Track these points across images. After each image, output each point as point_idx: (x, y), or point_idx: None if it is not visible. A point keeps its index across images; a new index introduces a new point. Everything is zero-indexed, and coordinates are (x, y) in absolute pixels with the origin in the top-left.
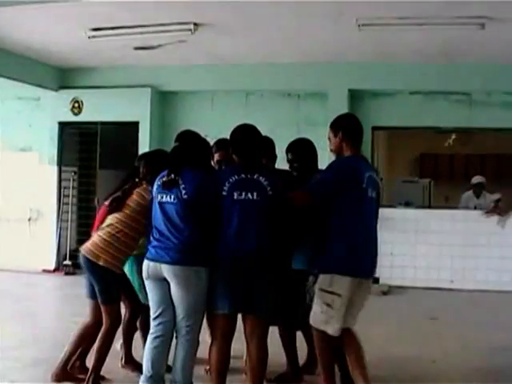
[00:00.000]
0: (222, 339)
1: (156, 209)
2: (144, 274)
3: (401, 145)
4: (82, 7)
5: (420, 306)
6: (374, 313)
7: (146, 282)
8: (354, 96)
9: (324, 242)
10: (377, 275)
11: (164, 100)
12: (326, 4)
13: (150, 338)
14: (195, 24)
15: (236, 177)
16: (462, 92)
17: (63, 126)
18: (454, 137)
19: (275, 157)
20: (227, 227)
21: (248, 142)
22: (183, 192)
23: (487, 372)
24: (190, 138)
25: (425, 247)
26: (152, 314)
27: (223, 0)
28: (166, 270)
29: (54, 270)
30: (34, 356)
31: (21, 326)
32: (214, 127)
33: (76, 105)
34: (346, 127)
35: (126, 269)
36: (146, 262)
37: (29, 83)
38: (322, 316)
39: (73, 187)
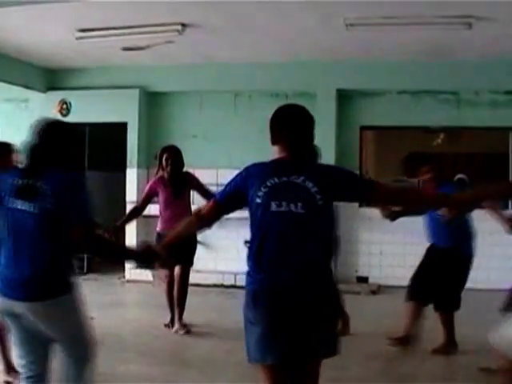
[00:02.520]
0: None
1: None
2: None
3: (389, 144)
4: (69, 8)
5: None
6: (363, 312)
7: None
8: (342, 96)
9: None
10: (366, 275)
11: (152, 101)
12: (313, 4)
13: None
14: (183, 25)
15: (276, 179)
16: (450, 91)
17: None
18: (442, 136)
19: None
20: (259, 247)
21: (300, 124)
22: (43, 201)
23: (474, 370)
24: (52, 130)
25: (414, 246)
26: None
27: (210, 0)
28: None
29: None
30: None
31: None
32: (203, 128)
33: (64, 106)
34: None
35: None
36: None
37: (16, 85)
38: None
39: None
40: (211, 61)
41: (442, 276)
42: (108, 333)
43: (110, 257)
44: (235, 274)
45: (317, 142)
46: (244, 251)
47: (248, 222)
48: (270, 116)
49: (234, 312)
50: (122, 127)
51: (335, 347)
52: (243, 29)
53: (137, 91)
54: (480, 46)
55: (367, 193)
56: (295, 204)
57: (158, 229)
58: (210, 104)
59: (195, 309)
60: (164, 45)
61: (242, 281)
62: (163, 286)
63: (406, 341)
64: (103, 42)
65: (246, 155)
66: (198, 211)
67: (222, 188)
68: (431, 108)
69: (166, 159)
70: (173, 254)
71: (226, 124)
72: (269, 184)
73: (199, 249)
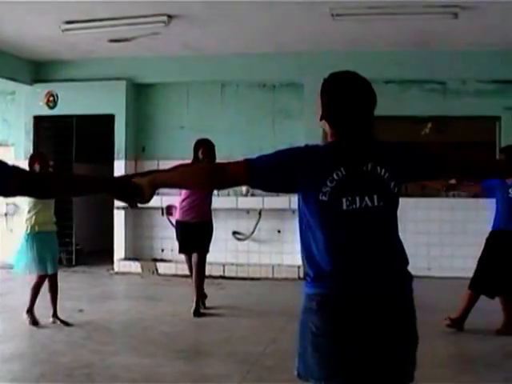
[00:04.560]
0: None
1: None
2: None
3: (377, 134)
4: (55, 0)
5: None
6: None
7: None
8: None
9: None
10: None
11: (139, 92)
12: None
13: None
14: (169, 16)
15: (343, 171)
16: (437, 81)
17: (38, 119)
18: (430, 125)
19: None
20: (331, 255)
21: (369, 96)
22: None
23: (460, 357)
24: None
25: (401, 235)
26: None
27: None
28: None
29: None
30: (11, 352)
31: None
32: (190, 119)
33: (51, 98)
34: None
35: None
36: None
37: (3, 77)
38: None
39: None
40: (197, 52)
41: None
42: (97, 325)
43: (68, 192)
44: (223, 265)
45: (305, 132)
46: (232, 242)
47: (237, 214)
48: (257, 107)
49: (222, 303)
50: (109, 119)
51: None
52: (229, 20)
53: (124, 83)
54: (466, 35)
55: (440, 168)
56: (370, 197)
57: (177, 217)
58: (197, 95)
59: (184, 299)
60: (150, 36)
61: (230, 271)
62: (152, 278)
63: (459, 323)
64: (89, 33)
65: (233, 145)
66: (218, 166)
67: (261, 155)
68: (418, 97)
69: (203, 152)
70: (187, 241)
71: (214, 115)
72: (336, 177)
73: None
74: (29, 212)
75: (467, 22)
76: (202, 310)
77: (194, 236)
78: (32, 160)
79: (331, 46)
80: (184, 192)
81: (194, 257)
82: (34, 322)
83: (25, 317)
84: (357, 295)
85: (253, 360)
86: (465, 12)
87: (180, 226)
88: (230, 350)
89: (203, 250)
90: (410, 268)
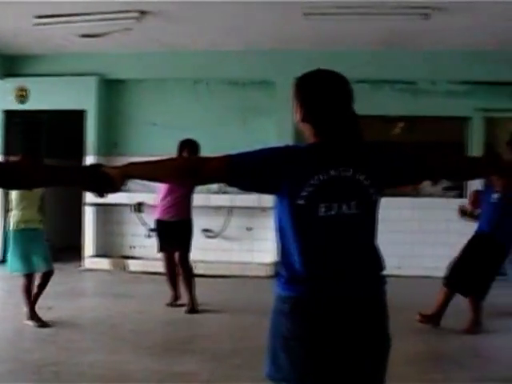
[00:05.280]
0: None
1: None
2: None
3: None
4: None
5: None
6: None
7: None
8: None
9: None
10: None
11: (111, 88)
12: None
13: None
14: (141, 12)
15: (323, 175)
16: (408, 81)
17: (8, 114)
18: (401, 125)
19: None
20: (306, 260)
21: (346, 94)
22: None
23: (429, 355)
24: None
25: None
26: None
27: None
28: None
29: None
30: None
31: None
32: (163, 116)
33: (22, 93)
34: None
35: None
36: None
37: None
38: None
39: None
40: (170, 48)
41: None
42: (66, 322)
43: (39, 182)
44: (193, 263)
45: (277, 131)
46: (202, 240)
47: (207, 211)
48: (229, 105)
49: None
50: (80, 115)
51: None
52: (201, 17)
53: (95, 79)
54: (438, 36)
55: (424, 172)
56: (348, 204)
57: (157, 216)
58: (169, 92)
59: (154, 297)
60: (122, 32)
61: (199, 269)
62: (121, 275)
63: (434, 319)
64: (61, 28)
65: (205, 143)
66: (198, 159)
67: (242, 152)
68: (389, 97)
69: (188, 154)
70: (167, 239)
71: (186, 112)
72: (315, 182)
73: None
74: (14, 209)
75: (438, 22)
76: (172, 308)
77: (175, 235)
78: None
79: (303, 44)
80: (164, 190)
81: (176, 257)
82: (42, 323)
83: (30, 323)
84: (330, 301)
85: (221, 357)
86: (436, 13)
87: (160, 225)
88: (199, 347)
89: (184, 249)
90: None
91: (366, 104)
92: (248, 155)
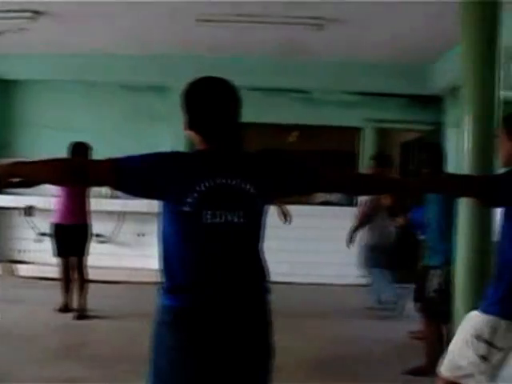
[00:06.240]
0: None
1: None
2: None
3: (244, 140)
4: None
5: None
6: None
7: None
8: None
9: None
10: None
11: (4, 89)
12: None
13: None
14: (35, 12)
15: (209, 182)
16: (302, 90)
17: None
18: (296, 133)
19: None
20: (189, 268)
21: (232, 101)
22: None
23: (321, 361)
24: None
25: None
26: None
27: None
28: None
29: None
30: None
31: None
32: (55, 118)
33: None
34: None
35: None
36: None
37: None
38: (469, 368)
39: None
40: (65, 50)
41: None
42: None
43: None
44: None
45: (171, 136)
46: (94, 245)
47: (98, 216)
48: (124, 109)
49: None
50: None
51: None
52: (96, 19)
53: None
54: (332, 46)
55: (313, 184)
56: (233, 213)
57: (56, 220)
58: (63, 94)
59: (44, 303)
60: (17, 32)
61: (92, 274)
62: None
63: None
64: None
65: (98, 147)
66: (83, 162)
67: (128, 156)
68: (284, 105)
69: (80, 156)
70: (64, 244)
71: (79, 115)
72: (201, 189)
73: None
74: None
75: (333, 33)
76: (61, 314)
77: (72, 239)
78: None
79: (198, 50)
80: (62, 194)
81: (73, 261)
82: None
83: None
84: (213, 310)
85: (110, 364)
86: (330, 24)
87: (58, 229)
88: (87, 353)
89: (82, 253)
90: (273, 274)
91: (260, 112)
92: (135, 159)
